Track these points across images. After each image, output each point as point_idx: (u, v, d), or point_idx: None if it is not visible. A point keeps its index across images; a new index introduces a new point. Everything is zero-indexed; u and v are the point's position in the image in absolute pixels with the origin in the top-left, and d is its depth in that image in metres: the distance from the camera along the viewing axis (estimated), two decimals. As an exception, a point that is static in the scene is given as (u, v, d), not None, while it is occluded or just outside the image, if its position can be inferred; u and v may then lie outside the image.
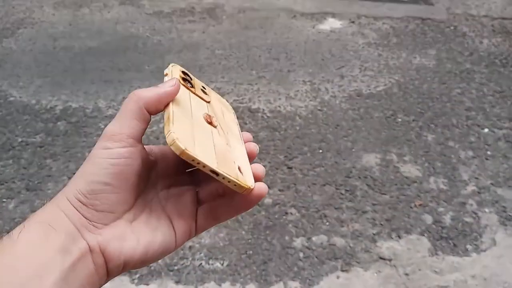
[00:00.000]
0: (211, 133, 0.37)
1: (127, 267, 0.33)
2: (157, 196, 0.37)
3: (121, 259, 0.32)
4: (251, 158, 0.40)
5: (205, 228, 0.38)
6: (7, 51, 2.36)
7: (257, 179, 0.37)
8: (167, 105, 0.35)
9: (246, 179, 0.36)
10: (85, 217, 0.31)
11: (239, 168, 0.36)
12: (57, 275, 0.28)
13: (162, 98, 0.35)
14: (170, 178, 0.38)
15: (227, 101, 0.47)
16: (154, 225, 0.35)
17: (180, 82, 0.39)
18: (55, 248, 0.29)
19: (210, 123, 0.38)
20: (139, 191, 0.35)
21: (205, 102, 0.41)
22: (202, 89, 0.42)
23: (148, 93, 0.35)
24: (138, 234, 0.33)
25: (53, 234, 0.29)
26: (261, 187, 0.36)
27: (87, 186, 0.32)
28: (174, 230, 0.36)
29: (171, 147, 0.32)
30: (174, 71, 0.40)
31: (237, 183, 0.34)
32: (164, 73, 0.40)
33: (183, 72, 0.41)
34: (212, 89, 0.45)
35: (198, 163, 0.33)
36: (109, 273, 0.32)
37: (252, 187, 0.35)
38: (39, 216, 0.31)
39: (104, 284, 0.32)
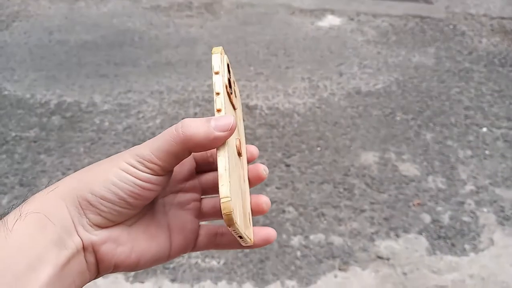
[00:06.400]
0: (240, 175, 0.32)
1: (118, 269, 0.32)
2: (163, 200, 0.35)
3: (112, 262, 0.31)
4: (250, 161, 0.37)
5: (203, 250, 0.36)
6: (2, 44, 2.32)
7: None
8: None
9: (251, 232, 0.33)
10: (86, 217, 0.30)
11: (249, 219, 0.33)
12: (52, 269, 0.27)
13: (212, 143, 0.30)
14: (180, 183, 0.36)
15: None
16: (152, 233, 0.33)
17: (227, 93, 0.31)
18: (51, 241, 0.27)
19: (239, 153, 0.33)
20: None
21: (234, 111, 0.34)
22: (234, 89, 0.34)
23: (198, 137, 0.30)
24: (133, 241, 0.32)
25: (49, 226, 0.28)
26: (270, 234, 0.35)
27: (100, 190, 0.29)
28: (171, 243, 0.34)
29: (223, 214, 0.28)
30: (221, 80, 0.31)
31: (247, 242, 0.32)
32: (214, 71, 0.31)
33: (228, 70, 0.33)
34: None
35: (234, 232, 0.29)
36: (100, 272, 0.31)
37: (252, 243, 0.33)
38: (36, 205, 0.29)
39: (94, 279, 0.31)
